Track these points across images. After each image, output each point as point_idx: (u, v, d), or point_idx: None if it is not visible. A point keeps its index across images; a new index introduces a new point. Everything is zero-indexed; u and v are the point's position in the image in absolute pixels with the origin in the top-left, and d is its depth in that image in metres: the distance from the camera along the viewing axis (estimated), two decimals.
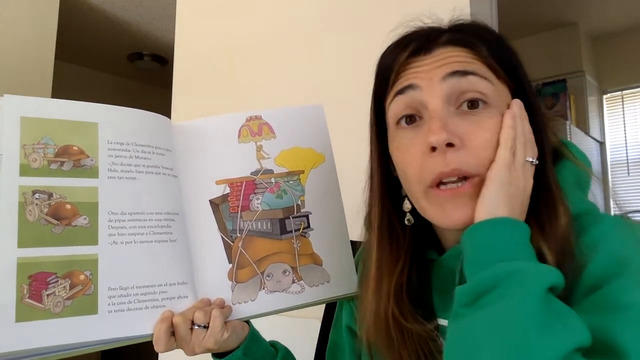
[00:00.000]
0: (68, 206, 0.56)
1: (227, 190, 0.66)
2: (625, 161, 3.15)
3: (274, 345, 0.71)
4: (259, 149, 0.69)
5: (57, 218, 0.55)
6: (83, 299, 0.54)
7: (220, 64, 1.60)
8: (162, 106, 1.46)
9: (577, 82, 3.00)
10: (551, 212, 0.49)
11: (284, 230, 0.67)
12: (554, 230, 0.48)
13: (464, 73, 0.50)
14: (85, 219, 0.57)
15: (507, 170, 0.48)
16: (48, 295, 0.53)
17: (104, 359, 3.18)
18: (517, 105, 0.51)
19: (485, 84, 0.50)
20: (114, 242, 0.57)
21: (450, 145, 0.48)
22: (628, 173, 3.12)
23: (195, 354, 0.59)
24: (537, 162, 0.51)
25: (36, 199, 0.55)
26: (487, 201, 0.47)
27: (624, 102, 3.22)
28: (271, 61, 1.47)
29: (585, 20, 3.02)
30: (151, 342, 0.57)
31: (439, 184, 0.50)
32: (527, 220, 0.48)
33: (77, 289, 0.54)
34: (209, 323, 0.58)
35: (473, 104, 0.50)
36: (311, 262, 0.68)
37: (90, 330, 0.54)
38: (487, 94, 0.50)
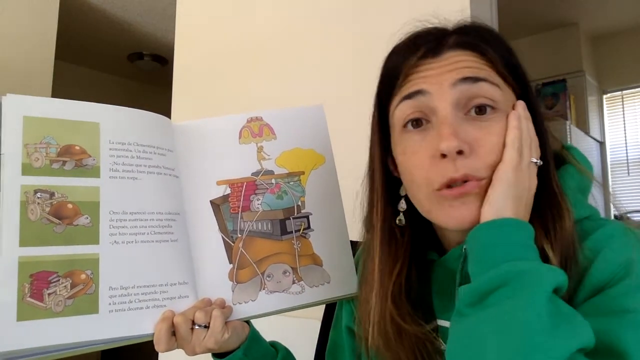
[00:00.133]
0: (70, 206, 0.56)
1: (228, 191, 0.67)
2: (625, 161, 3.15)
3: (274, 345, 0.71)
4: (260, 150, 0.69)
5: (58, 217, 0.55)
6: (84, 299, 0.54)
7: (220, 64, 1.60)
8: (162, 106, 1.46)
9: (577, 82, 3.00)
10: (555, 214, 0.49)
11: (284, 231, 0.68)
12: (558, 232, 0.48)
13: (476, 80, 0.50)
14: (87, 218, 0.57)
15: (514, 171, 0.48)
16: (49, 294, 0.53)
17: (104, 359, 3.18)
18: (522, 106, 0.52)
19: (494, 90, 0.50)
20: (115, 241, 0.57)
21: (460, 152, 0.48)
22: (628, 173, 3.13)
23: (196, 353, 0.60)
24: (542, 163, 0.51)
25: (38, 198, 0.55)
26: (494, 201, 0.47)
27: (624, 102, 3.23)
28: (271, 61, 1.47)
29: (585, 20, 3.02)
30: (152, 341, 0.57)
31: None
32: (530, 222, 0.48)
33: (78, 288, 0.54)
34: (209, 323, 0.59)
35: (481, 109, 0.50)
36: (311, 262, 0.68)
37: (91, 329, 0.54)
38: (496, 100, 0.50)
